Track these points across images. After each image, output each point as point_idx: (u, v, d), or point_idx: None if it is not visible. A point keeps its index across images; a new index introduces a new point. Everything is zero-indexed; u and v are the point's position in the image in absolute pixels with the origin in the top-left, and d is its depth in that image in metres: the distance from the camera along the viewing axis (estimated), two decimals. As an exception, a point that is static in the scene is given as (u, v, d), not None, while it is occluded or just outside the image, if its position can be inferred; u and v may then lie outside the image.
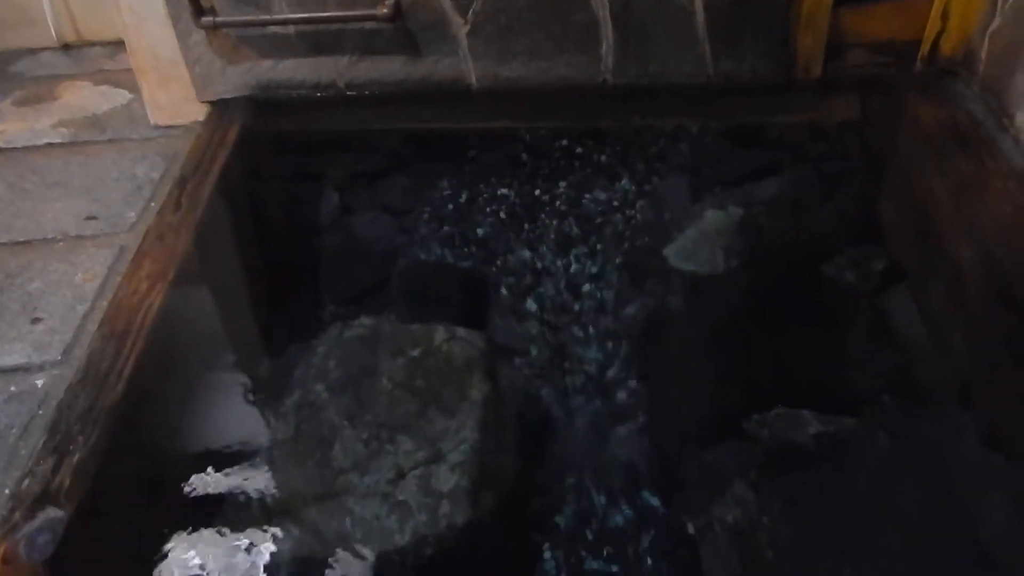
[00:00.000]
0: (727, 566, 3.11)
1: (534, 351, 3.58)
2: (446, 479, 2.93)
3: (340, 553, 2.98)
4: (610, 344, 3.60)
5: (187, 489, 3.03)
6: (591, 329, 3.65)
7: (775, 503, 3.11)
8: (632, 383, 3.52)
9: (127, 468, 2.57)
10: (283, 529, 2.99)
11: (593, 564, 3.47)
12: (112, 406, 2.55)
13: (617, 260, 4.19)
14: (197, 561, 2.89)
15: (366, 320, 3.25)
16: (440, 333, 3.24)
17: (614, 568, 3.46)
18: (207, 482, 3.07)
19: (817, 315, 3.78)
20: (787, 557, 3.03)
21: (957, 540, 2.74)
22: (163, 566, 2.85)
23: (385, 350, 3.14)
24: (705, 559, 3.18)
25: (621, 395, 3.50)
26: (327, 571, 2.95)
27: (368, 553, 3.00)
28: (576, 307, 3.88)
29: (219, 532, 2.95)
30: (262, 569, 2.90)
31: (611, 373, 3.55)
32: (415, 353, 3.13)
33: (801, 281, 3.91)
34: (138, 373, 2.58)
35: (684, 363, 3.40)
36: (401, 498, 2.88)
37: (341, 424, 2.93)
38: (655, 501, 3.56)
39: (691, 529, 3.27)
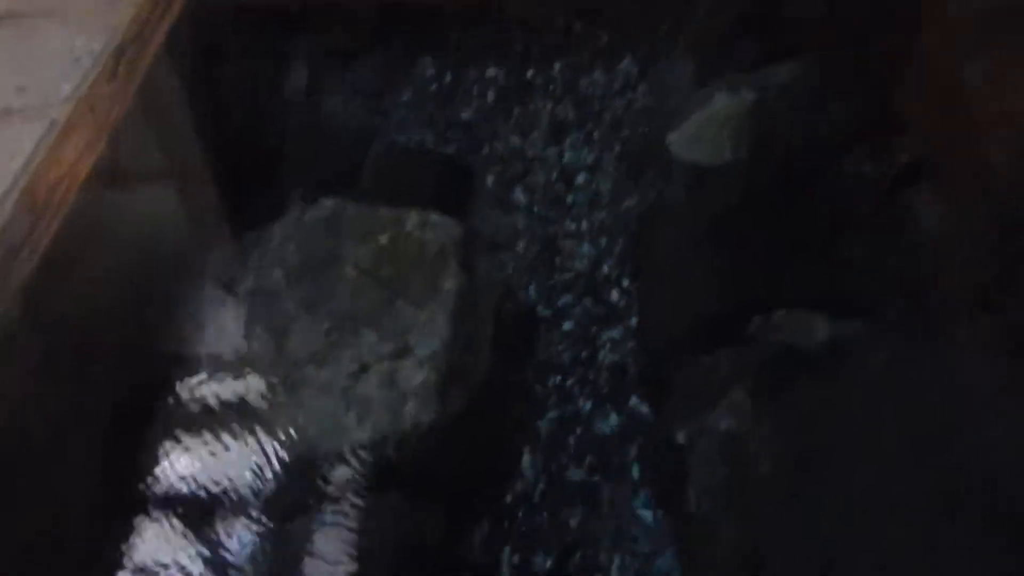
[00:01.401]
0: (717, 479, 2.84)
1: (520, 245, 3.23)
2: (412, 375, 2.78)
3: (293, 451, 2.72)
4: (603, 240, 3.28)
5: (103, 374, 2.71)
6: (583, 223, 3.32)
7: (773, 413, 2.82)
8: (625, 282, 3.31)
9: (36, 347, 2.28)
10: (227, 427, 2.72)
11: (575, 474, 3.22)
12: (24, 282, 2.24)
13: (615, 148, 3.81)
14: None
15: (329, 202, 2.89)
16: (412, 218, 2.91)
17: (596, 478, 3.21)
18: (134, 372, 2.77)
19: (830, 211, 3.41)
20: (783, 471, 2.75)
21: (970, 456, 2.42)
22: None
23: (350, 235, 2.87)
24: (694, 471, 2.91)
25: (613, 295, 3.32)
26: (278, 470, 2.69)
27: (323, 452, 2.74)
28: (568, 199, 3.54)
29: (150, 430, 2.68)
30: (201, 471, 2.64)
31: (603, 271, 3.33)
32: (383, 239, 2.93)
33: (815, 173, 3.52)
34: (56, 249, 2.27)
35: (682, 261, 3.18)
36: (362, 394, 2.72)
37: (298, 313, 2.63)
38: (644, 408, 3.29)
39: (681, 439, 2.98)
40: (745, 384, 2.86)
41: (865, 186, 3.51)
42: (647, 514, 3.15)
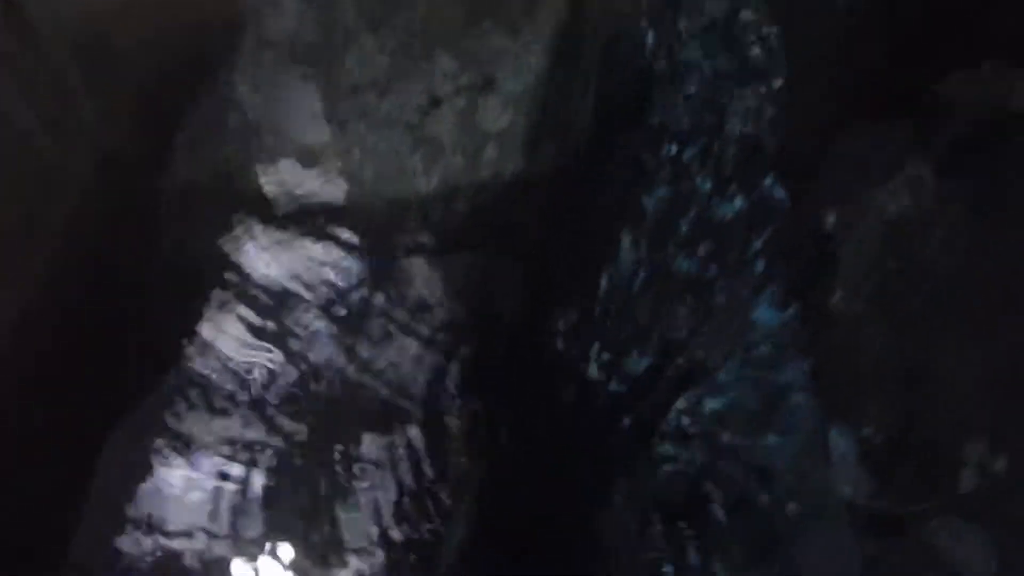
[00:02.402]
0: (875, 274, 2.30)
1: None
2: (496, 115, 2.34)
3: (337, 190, 2.21)
4: None
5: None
6: None
7: (962, 197, 2.17)
8: (770, 31, 2.66)
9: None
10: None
11: (684, 264, 2.65)
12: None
13: None
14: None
15: None
16: None
17: (711, 271, 2.63)
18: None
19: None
20: (964, 272, 2.11)
21: None
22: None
23: None
24: (844, 263, 2.37)
25: (753, 49, 2.69)
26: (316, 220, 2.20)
27: (379, 198, 2.22)
28: None
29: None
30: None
31: (743, 16, 2.67)
32: None
33: None
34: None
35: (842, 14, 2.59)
36: (432, 133, 2.30)
37: (358, 27, 2.23)
38: (779, 190, 2.64)
39: (830, 223, 2.39)
40: (929, 157, 2.23)
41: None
42: (771, 315, 2.57)
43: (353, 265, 2.08)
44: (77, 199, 2.17)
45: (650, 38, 2.68)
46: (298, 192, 2.21)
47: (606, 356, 2.61)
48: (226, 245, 2.09)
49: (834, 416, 2.34)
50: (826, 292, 2.39)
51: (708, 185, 2.71)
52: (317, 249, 2.10)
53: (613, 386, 2.59)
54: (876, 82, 2.47)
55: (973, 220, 2.14)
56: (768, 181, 2.70)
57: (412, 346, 2.09)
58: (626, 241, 2.65)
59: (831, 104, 2.57)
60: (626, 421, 2.53)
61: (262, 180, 2.21)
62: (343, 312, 2.04)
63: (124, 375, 2.07)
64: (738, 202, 2.71)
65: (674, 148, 2.68)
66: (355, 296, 2.05)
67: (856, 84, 2.50)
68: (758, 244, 2.67)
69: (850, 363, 2.30)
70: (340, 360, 1.99)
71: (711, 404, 2.62)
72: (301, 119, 2.19)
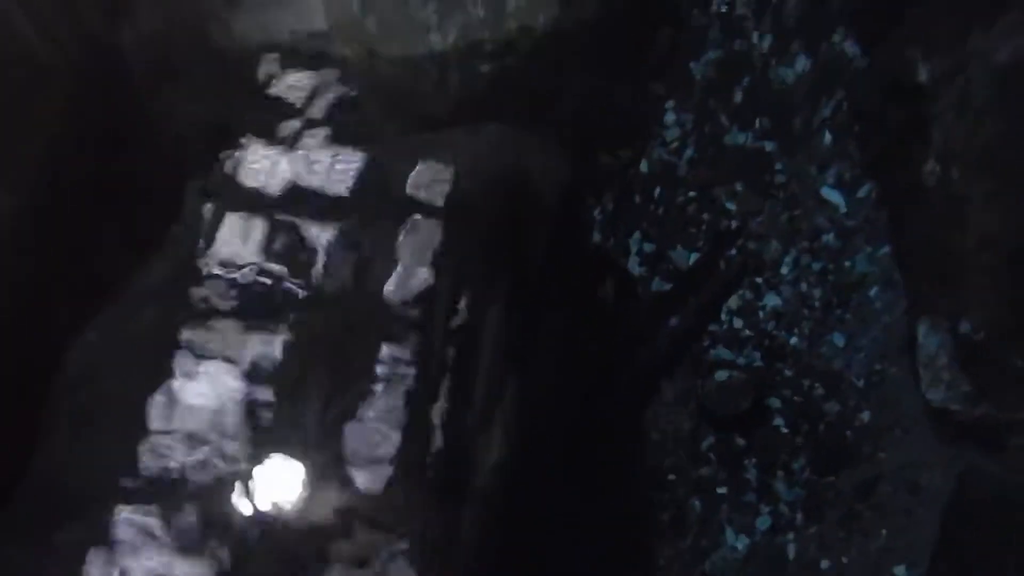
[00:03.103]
0: (981, 135, 1.86)
1: None
2: None
3: (334, 49, 1.77)
4: None
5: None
6: None
7: None
8: None
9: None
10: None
11: (737, 137, 2.27)
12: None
13: None
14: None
15: None
16: None
17: (769, 145, 2.25)
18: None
19: None
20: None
21: None
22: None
23: None
24: (940, 123, 1.95)
25: None
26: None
27: (385, 59, 1.79)
28: None
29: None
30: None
31: None
32: None
33: None
34: None
35: None
36: None
37: None
38: (850, 46, 2.26)
39: (923, 77, 1.97)
40: None
41: None
42: (838, 197, 2.23)
43: (355, 162, 1.66)
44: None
45: None
46: (289, 51, 1.78)
47: (648, 248, 2.25)
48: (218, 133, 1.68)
49: (922, 310, 2.01)
50: (916, 162, 2.01)
51: (766, 44, 2.30)
52: (319, 139, 1.69)
53: (657, 283, 2.25)
54: None
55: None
56: (838, 35, 2.29)
57: (430, 240, 1.69)
58: (671, 113, 2.25)
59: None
60: (672, 322, 2.19)
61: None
62: (352, 209, 1.64)
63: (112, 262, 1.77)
64: (801, 62, 2.30)
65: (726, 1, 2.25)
66: (362, 189, 1.65)
67: None
68: (826, 111, 2.28)
69: (945, 246, 1.94)
70: (348, 266, 1.61)
71: (770, 301, 2.29)
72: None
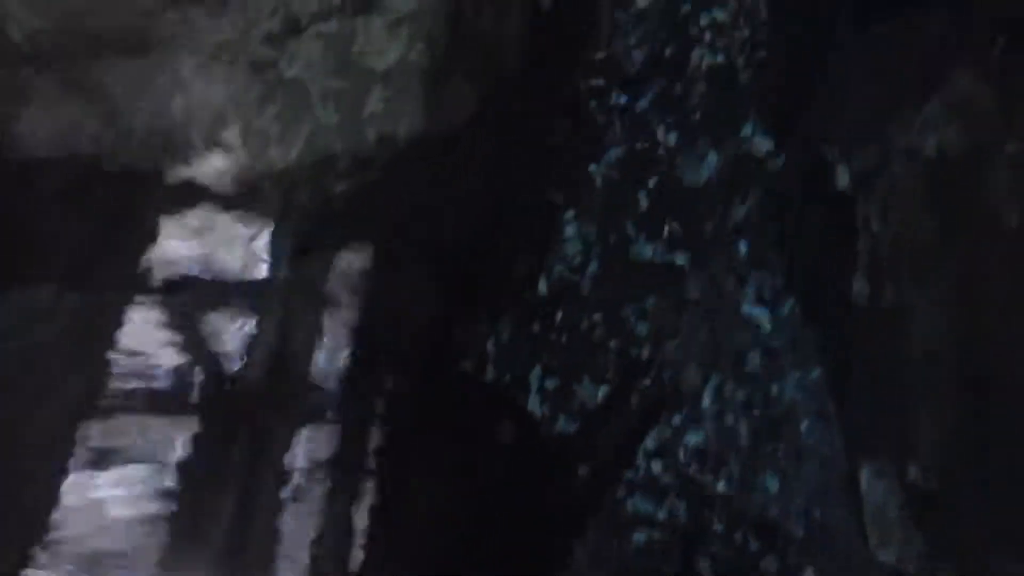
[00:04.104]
0: (915, 243, 1.67)
1: None
2: (382, 45, 1.62)
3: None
4: None
5: None
6: None
7: None
8: None
9: None
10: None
11: (645, 249, 2.06)
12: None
13: None
14: None
15: None
16: None
17: (679, 256, 2.03)
18: None
19: None
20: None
21: None
22: None
23: None
24: (868, 232, 1.73)
25: None
26: None
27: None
28: None
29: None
30: None
31: None
32: None
33: None
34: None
35: None
36: (291, 74, 1.60)
37: None
38: (763, 140, 2.17)
39: (842, 177, 1.80)
40: (980, 60, 1.61)
41: None
42: (760, 314, 1.98)
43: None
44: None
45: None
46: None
47: (551, 383, 1.94)
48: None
49: (863, 449, 1.76)
50: (843, 273, 1.77)
51: (672, 140, 2.06)
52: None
53: (562, 424, 1.93)
54: None
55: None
56: (748, 128, 2.07)
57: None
58: (571, 224, 1.97)
59: (828, 8, 1.94)
60: (581, 471, 1.87)
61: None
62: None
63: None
64: (711, 160, 2.08)
65: (625, 96, 1.99)
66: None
67: None
68: (740, 216, 2.05)
69: (884, 369, 1.70)
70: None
71: (692, 440, 2.01)
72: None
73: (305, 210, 1.63)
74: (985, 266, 1.55)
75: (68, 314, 1.57)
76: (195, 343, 1.55)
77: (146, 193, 1.53)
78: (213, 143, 1.48)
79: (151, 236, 1.55)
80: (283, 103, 1.53)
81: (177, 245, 1.53)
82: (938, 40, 1.66)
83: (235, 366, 1.55)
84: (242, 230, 1.55)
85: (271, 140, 1.53)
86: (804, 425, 2.00)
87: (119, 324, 1.54)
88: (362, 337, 1.66)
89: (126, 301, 1.56)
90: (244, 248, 1.54)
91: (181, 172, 1.48)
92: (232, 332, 1.56)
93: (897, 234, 1.68)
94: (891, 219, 1.72)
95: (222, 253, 1.55)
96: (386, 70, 1.56)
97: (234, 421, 1.55)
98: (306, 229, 1.62)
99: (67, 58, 1.45)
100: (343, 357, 1.63)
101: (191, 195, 1.57)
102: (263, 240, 1.54)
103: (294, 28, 1.55)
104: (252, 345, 1.56)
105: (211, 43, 1.50)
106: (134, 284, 1.57)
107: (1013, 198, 1.54)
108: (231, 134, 1.50)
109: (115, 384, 1.53)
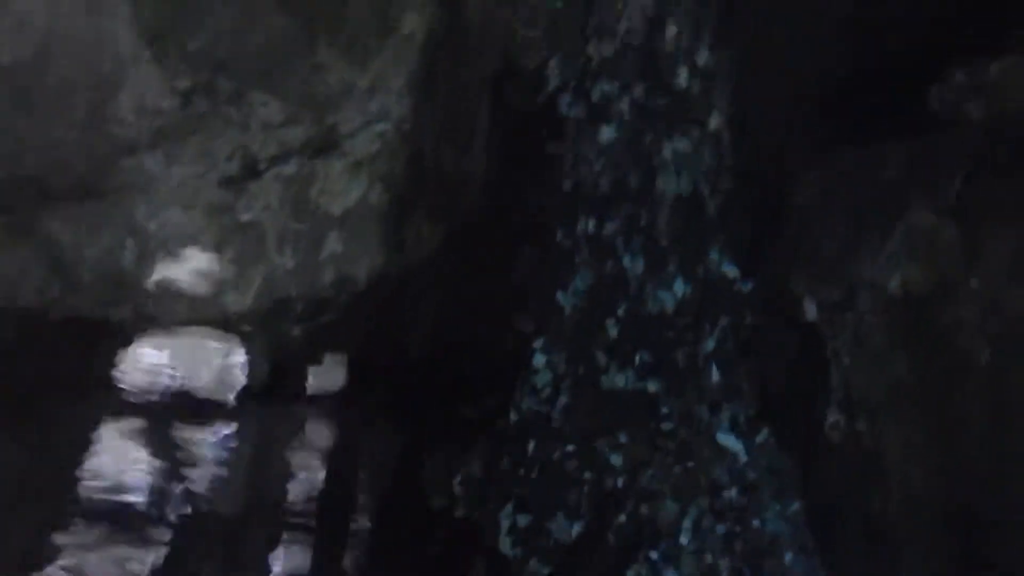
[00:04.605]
0: (885, 378, 1.63)
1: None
2: (341, 186, 1.58)
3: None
4: None
5: None
6: None
7: (998, 244, 1.53)
8: (701, 54, 2.11)
9: None
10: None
11: (617, 378, 2.06)
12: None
13: None
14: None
15: None
16: None
17: (651, 384, 2.02)
18: None
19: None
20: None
21: None
22: None
23: None
24: (838, 368, 1.71)
25: (680, 76, 2.11)
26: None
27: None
28: None
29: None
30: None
31: (667, 33, 2.10)
32: None
33: None
34: None
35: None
36: (247, 217, 1.55)
37: (139, 52, 1.51)
38: (729, 268, 2.07)
39: (810, 310, 1.77)
40: (939, 195, 1.61)
41: None
42: (736, 443, 1.99)
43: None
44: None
45: (553, 70, 2.00)
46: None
47: (523, 521, 1.89)
48: None
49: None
50: (816, 406, 1.74)
51: (639, 265, 2.06)
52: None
53: (535, 565, 1.86)
54: (850, 99, 1.86)
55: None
56: (714, 254, 2.07)
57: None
58: (540, 354, 1.94)
59: (790, 138, 1.95)
60: (556, 615, 1.79)
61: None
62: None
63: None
64: (679, 287, 2.07)
65: (592, 220, 1.99)
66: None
67: (822, 106, 1.93)
68: (712, 343, 2.03)
69: (864, 509, 1.64)
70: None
71: (671, 579, 1.94)
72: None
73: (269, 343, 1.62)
74: (960, 404, 1.54)
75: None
76: (167, 462, 1.48)
77: (96, 338, 1.51)
78: (166, 289, 1.46)
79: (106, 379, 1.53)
80: (239, 247, 1.51)
81: (147, 362, 1.52)
82: (898, 175, 1.68)
83: (209, 485, 1.49)
84: (214, 348, 1.53)
85: (227, 285, 1.50)
86: (787, 558, 1.94)
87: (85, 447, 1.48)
88: (332, 466, 1.62)
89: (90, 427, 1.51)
90: (217, 368, 1.52)
91: (132, 317, 1.46)
92: (206, 450, 1.50)
93: (869, 369, 1.66)
94: (861, 354, 1.70)
95: (193, 372, 1.52)
96: (345, 211, 1.54)
97: (208, 540, 1.51)
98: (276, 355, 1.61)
99: (16, 205, 1.44)
100: (316, 480, 1.57)
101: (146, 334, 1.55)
102: (237, 359, 1.53)
103: (252, 171, 1.53)
104: (226, 464, 1.50)
105: (166, 188, 1.50)
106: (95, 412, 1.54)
107: (981, 335, 1.54)
108: (185, 280, 1.48)
109: (84, 503, 1.48)
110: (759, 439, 1.93)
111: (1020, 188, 1.51)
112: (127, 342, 1.51)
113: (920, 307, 1.57)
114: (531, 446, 1.91)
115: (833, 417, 1.73)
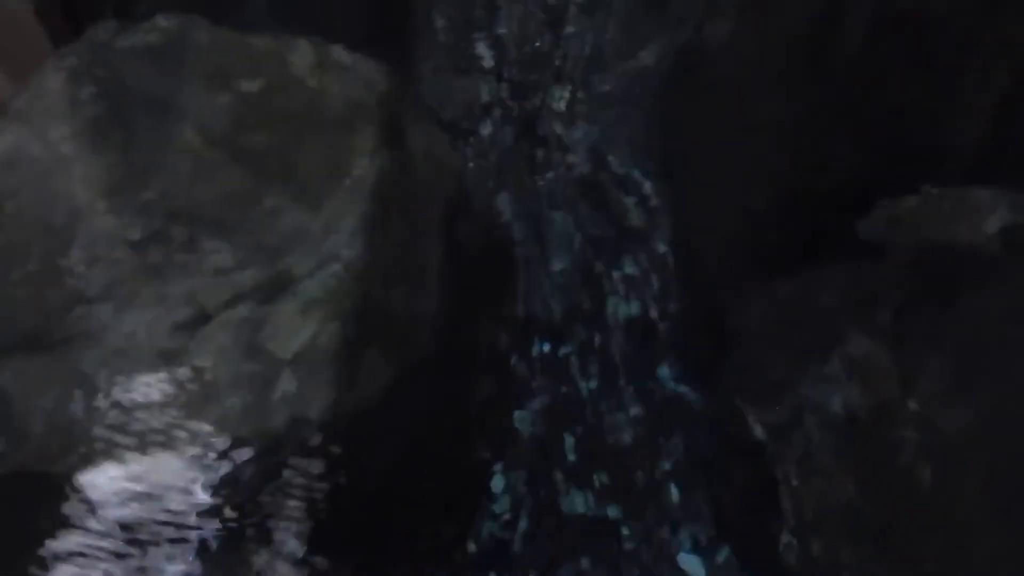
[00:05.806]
0: (834, 503, 1.63)
1: (485, 127, 1.91)
2: (292, 329, 1.58)
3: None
4: (610, 114, 2.29)
5: None
6: (579, 89, 2.33)
7: (933, 368, 1.55)
8: (646, 182, 2.23)
9: None
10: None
11: (577, 502, 2.04)
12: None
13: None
14: None
15: (165, 21, 1.88)
16: (303, 53, 1.85)
17: (612, 511, 2.01)
18: None
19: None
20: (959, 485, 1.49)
21: None
22: None
23: (196, 75, 1.79)
24: (788, 491, 1.71)
25: (626, 203, 2.23)
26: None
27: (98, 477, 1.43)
28: (557, 53, 2.29)
29: None
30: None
31: (611, 166, 2.24)
32: (253, 86, 1.80)
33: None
34: None
35: (739, 131, 2.05)
36: (199, 364, 1.54)
37: (92, 205, 1.60)
38: (683, 389, 2.10)
39: (759, 431, 1.78)
40: (876, 321, 1.64)
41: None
42: (696, 564, 1.97)
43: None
44: None
45: (502, 198, 2.08)
46: None
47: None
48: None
49: None
50: (771, 527, 1.73)
51: (592, 387, 2.08)
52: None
53: None
54: (784, 230, 1.92)
55: (958, 402, 1.52)
56: (668, 376, 2.10)
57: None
58: (498, 479, 1.96)
59: (736, 260, 2.02)
60: None
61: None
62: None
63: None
64: (634, 408, 2.07)
65: (545, 346, 2.04)
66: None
67: (763, 229, 1.98)
68: (668, 463, 2.03)
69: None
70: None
71: None
72: None
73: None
74: (907, 527, 1.55)
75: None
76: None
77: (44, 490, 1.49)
78: (115, 442, 1.46)
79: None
80: (188, 392, 1.52)
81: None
82: (835, 302, 1.73)
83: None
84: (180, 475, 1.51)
85: (176, 431, 1.49)
86: None
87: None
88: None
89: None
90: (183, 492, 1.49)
91: (80, 471, 1.45)
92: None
93: (818, 491, 1.67)
94: (810, 475, 1.70)
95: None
96: (297, 352, 1.56)
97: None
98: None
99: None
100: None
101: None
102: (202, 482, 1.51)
103: (203, 317, 1.53)
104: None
105: (117, 336, 1.51)
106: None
107: (922, 456, 1.57)
108: (135, 428, 1.48)
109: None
110: (720, 557, 1.92)
111: (948, 315, 1.57)
112: (76, 491, 1.52)
113: (863, 429, 1.60)
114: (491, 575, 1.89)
115: (787, 538, 1.73)
